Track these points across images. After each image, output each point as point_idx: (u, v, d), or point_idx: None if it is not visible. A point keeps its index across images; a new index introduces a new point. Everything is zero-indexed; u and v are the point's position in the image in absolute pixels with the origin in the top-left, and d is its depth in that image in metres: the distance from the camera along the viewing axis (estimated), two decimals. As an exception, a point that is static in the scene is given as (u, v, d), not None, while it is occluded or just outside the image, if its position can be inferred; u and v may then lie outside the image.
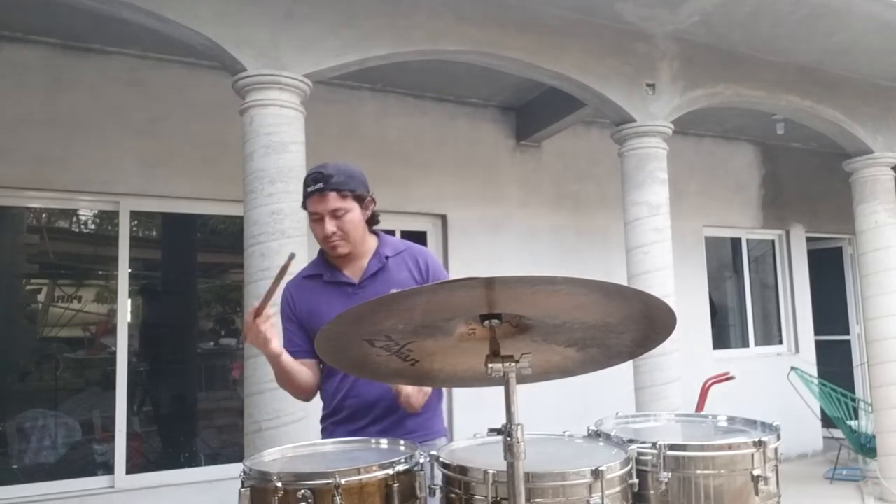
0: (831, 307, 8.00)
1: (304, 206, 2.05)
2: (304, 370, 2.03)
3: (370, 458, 1.62)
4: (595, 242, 6.22)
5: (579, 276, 1.17)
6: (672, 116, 4.68)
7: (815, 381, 6.48)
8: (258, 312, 1.85)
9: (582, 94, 4.59)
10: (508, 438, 1.31)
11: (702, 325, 6.80)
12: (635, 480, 1.54)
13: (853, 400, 6.34)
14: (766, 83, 5.07)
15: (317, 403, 2.20)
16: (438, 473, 1.56)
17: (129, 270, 4.59)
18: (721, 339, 7.12)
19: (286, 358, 1.95)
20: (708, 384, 5.50)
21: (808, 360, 7.35)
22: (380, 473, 1.46)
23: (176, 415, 5.11)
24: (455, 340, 1.41)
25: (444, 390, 2.15)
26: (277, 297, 1.91)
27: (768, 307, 7.60)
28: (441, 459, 1.56)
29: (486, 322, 1.33)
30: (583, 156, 6.29)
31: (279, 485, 1.41)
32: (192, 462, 4.79)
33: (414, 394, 1.91)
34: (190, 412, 5.12)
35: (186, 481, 4.52)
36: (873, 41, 4.87)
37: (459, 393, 5.18)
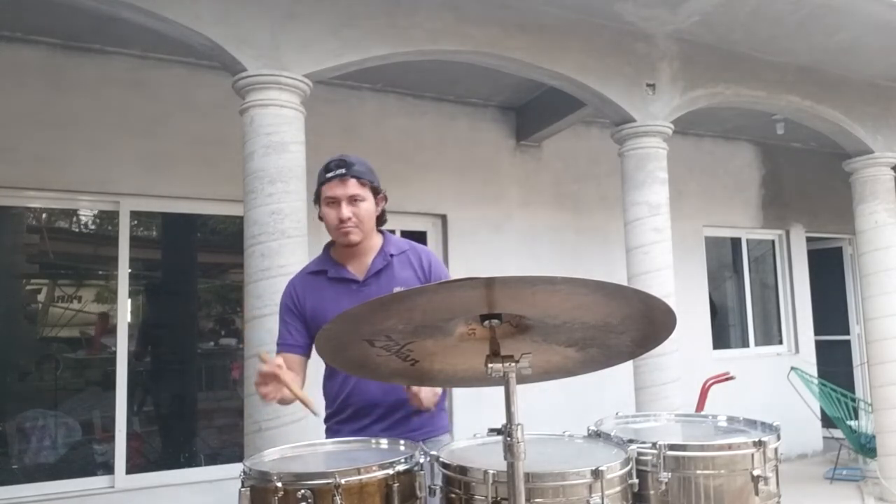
0: (831, 307, 8.00)
1: (318, 193, 2.05)
2: (298, 381, 2.00)
3: (370, 458, 1.62)
4: (595, 242, 6.22)
5: (579, 276, 1.17)
6: (672, 116, 4.68)
7: (815, 381, 6.48)
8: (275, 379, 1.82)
9: (582, 94, 4.59)
10: (508, 438, 1.31)
11: (702, 325, 6.79)
12: (635, 480, 1.54)
13: (853, 400, 6.33)
14: (766, 83, 5.06)
15: (319, 405, 2.20)
16: (439, 473, 1.56)
17: (129, 270, 4.59)
18: (721, 339, 7.12)
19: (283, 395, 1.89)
20: (708, 384, 5.50)
21: (808, 360, 7.35)
22: (380, 473, 1.46)
23: (176, 415, 5.11)
24: (455, 340, 1.41)
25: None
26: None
27: (768, 307, 7.60)
28: (441, 459, 1.56)
29: (486, 322, 1.33)
30: (583, 156, 6.29)
31: (279, 485, 1.41)
32: (192, 462, 4.78)
33: (426, 393, 1.91)
34: (190, 412, 5.12)
35: (186, 481, 4.52)
36: (873, 41, 4.87)
37: (459, 393, 5.18)
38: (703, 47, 4.83)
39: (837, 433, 6.59)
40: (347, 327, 1.35)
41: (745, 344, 7.31)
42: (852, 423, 6.22)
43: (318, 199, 2.08)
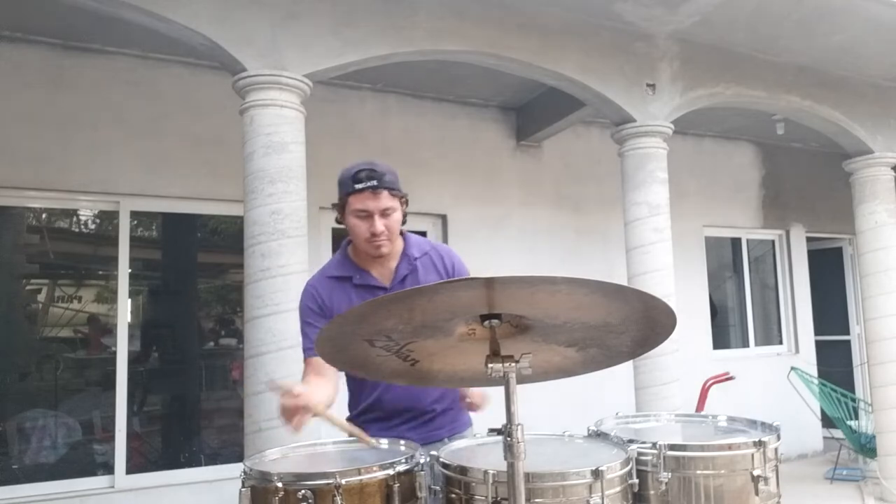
0: (831, 307, 8.00)
1: (344, 202, 1.96)
2: (329, 388, 1.92)
3: (370, 458, 1.63)
4: (595, 242, 6.22)
5: (579, 276, 1.17)
6: (672, 116, 4.68)
7: (815, 381, 6.48)
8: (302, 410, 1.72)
9: (582, 94, 4.59)
10: (508, 438, 1.31)
11: (702, 325, 6.79)
12: (635, 480, 1.54)
13: (853, 400, 6.33)
14: (766, 83, 5.06)
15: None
16: (439, 473, 1.56)
17: (129, 270, 4.59)
18: (721, 339, 7.12)
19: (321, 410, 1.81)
20: (708, 384, 5.51)
21: (808, 360, 7.35)
22: (380, 473, 1.46)
23: (176, 415, 5.10)
24: (455, 340, 1.41)
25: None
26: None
27: (768, 307, 7.60)
28: (441, 459, 1.56)
29: (486, 322, 1.33)
30: (583, 156, 6.29)
31: (279, 485, 1.41)
32: (192, 462, 4.78)
33: (477, 396, 1.92)
34: (190, 412, 5.12)
35: (186, 481, 4.52)
36: (873, 41, 4.87)
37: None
38: (703, 47, 4.83)
39: (837, 433, 6.59)
40: (347, 327, 1.35)
41: (745, 344, 7.31)
42: (852, 423, 6.21)
43: (342, 207, 1.99)
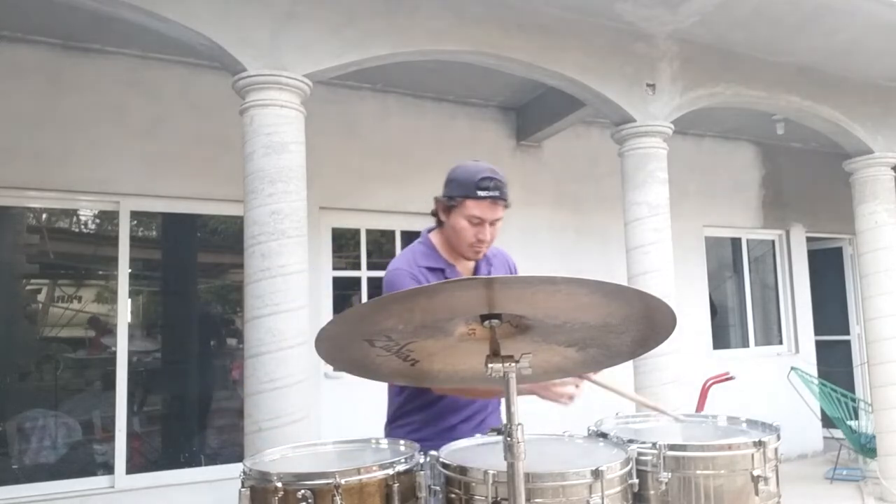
0: (831, 307, 8.00)
1: (458, 203, 1.98)
2: None
3: (370, 458, 1.63)
4: (595, 242, 6.22)
5: (579, 276, 1.17)
6: (672, 116, 4.68)
7: (815, 381, 6.48)
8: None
9: (582, 94, 4.59)
10: (508, 438, 1.31)
11: (702, 325, 6.79)
12: (635, 480, 1.54)
13: (853, 400, 6.33)
14: (766, 83, 5.06)
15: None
16: (439, 473, 1.56)
17: (129, 270, 4.59)
18: (721, 339, 7.12)
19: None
20: (708, 384, 5.50)
21: (808, 360, 7.35)
22: (380, 473, 1.46)
23: (176, 415, 5.11)
24: (455, 340, 1.41)
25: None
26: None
27: (768, 307, 7.60)
28: (441, 459, 1.56)
29: (487, 322, 1.32)
30: (583, 156, 6.29)
31: (279, 485, 1.41)
32: (192, 462, 4.78)
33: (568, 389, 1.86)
34: (190, 412, 5.12)
35: (186, 481, 4.52)
36: (873, 41, 4.87)
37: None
38: (703, 47, 4.83)
39: (837, 433, 6.59)
40: (347, 327, 1.35)
41: (745, 344, 7.30)
42: (852, 423, 6.21)
43: (452, 207, 2.00)
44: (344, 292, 5.27)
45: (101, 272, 5.04)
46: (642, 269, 4.48)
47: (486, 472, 1.41)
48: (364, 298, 5.20)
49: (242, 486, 1.48)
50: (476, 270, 2.10)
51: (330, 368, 4.63)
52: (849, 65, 5.29)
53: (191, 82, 4.73)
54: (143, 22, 3.37)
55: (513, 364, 1.31)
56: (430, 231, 2.14)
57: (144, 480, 4.45)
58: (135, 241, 4.70)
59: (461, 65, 4.38)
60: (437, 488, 1.55)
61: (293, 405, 3.24)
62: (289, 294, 3.26)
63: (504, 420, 1.33)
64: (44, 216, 4.81)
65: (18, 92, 4.28)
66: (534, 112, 5.84)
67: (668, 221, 4.54)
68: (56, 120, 4.35)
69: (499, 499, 1.39)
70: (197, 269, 5.34)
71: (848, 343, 8.08)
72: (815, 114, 5.33)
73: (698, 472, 1.58)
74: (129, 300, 4.59)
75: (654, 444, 1.59)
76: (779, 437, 1.69)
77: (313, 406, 4.12)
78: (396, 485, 1.47)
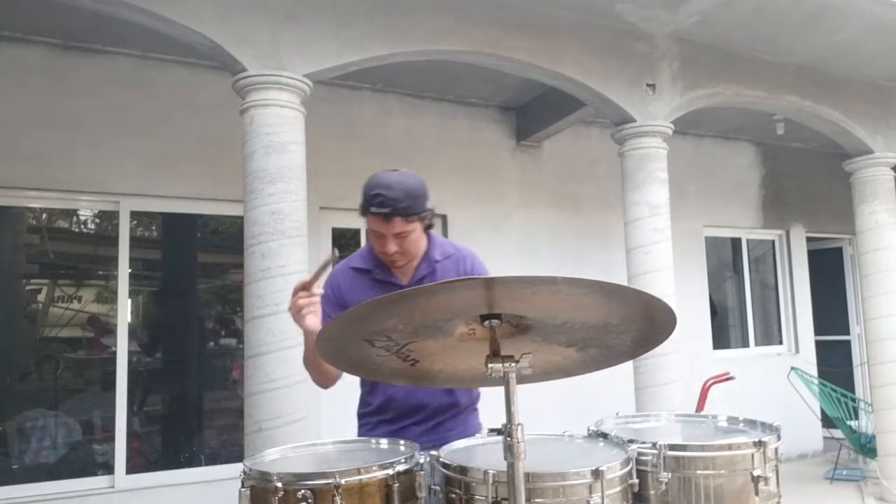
0: (831, 307, 8.00)
1: (362, 214, 1.95)
2: None
3: (370, 458, 1.62)
4: (595, 242, 6.22)
5: (579, 276, 1.17)
6: (672, 116, 4.68)
7: (815, 381, 6.48)
8: (307, 286, 1.86)
9: (582, 94, 4.59)
10: (508, 438, 1.31)
11: (702, 325, 6.79)
12: (635, 480, 1.54)
13: (853, 400, 6.33)
14: (766, 83, 5.06)
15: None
16: (439, 473, 1.56)
17: (129, 270, 4.59)
18: (721, 339, 7.12)
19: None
20: (708, 384, 5.50)
21: (808, 360, 7.35)
22: (380, 473, 1.46)
23: (176, 415, 5.10)
24: (455, 340, 1.41)
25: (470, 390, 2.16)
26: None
27: (768, 307, 7.60)
28: (441, 459, 1.56)
29: (487, 322, 1.33)
30: (583, 156, 6.29)
31: (279, 485, 1.41)
32: (192, 462, 4.78)
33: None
34: (190, 412, 5.12)
35: (186, 481, 4.52)
36: (873, 41, 4.87)
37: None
38: (703, 47, 4.83)
39: (837, 433, 6.59)
40: (347, 327, 1.35)
41: (745, 344, 7.31)
42: (852, 423, 6.22)
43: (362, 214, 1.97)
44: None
45: (100, 272, 5.04)
46: (642, 269, 4.48)
47: (486, 472, 1.41)
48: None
49: (242, 486, 1.48)
50: (416, 271, 2.04)
51: (330, 368, 4.63)
52: (849, 65, 5.29)
53: (191, 82, 4.73)
54: (144, 22, 3.37)
55: (513, 364, 1.31)
56: None
57: (144, 480, 4.45)
58: (135, 241, 4.70)
59: (461, 65, 4.38)
60: (437, 488, 1.55)
61: (293, 405, 3.24)
62: (288, 294, 3.24)
63: (495, 423, 1.33)
64: (44, 216, 4.81)
65: (18, 92, 4.28)
66: (534, 112, 5.85)
67: (668, 221, 4.54)
68: (56, 120, 4.35)
69: (499, 499, 1.39)
70: (197, 270, 5.34)
71: (848, 343, 8.08)
72: (815, 114, 5.33)
73: (698, 472, 1.58)
74: (129, 300, 4.59)
75: (654, 444, 1.59)
76: (779, 437, 1.69)
77: (313, 406, 4.12)
78: (396, 485, 1.47)
